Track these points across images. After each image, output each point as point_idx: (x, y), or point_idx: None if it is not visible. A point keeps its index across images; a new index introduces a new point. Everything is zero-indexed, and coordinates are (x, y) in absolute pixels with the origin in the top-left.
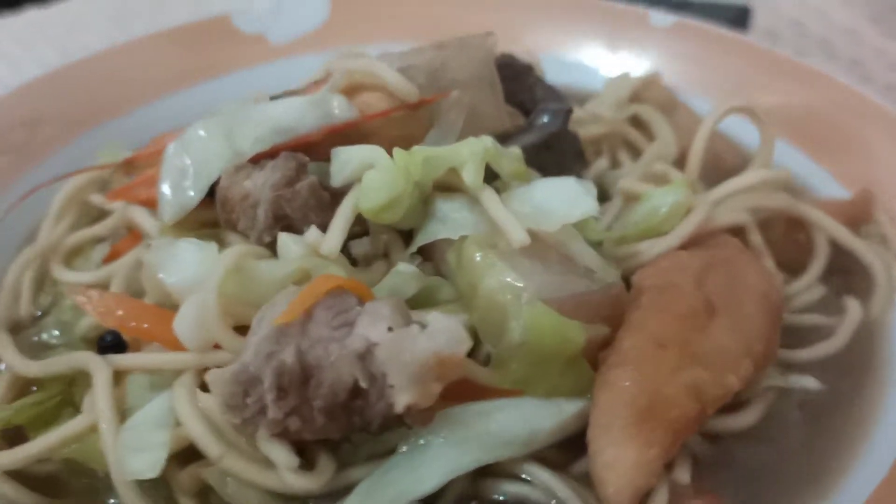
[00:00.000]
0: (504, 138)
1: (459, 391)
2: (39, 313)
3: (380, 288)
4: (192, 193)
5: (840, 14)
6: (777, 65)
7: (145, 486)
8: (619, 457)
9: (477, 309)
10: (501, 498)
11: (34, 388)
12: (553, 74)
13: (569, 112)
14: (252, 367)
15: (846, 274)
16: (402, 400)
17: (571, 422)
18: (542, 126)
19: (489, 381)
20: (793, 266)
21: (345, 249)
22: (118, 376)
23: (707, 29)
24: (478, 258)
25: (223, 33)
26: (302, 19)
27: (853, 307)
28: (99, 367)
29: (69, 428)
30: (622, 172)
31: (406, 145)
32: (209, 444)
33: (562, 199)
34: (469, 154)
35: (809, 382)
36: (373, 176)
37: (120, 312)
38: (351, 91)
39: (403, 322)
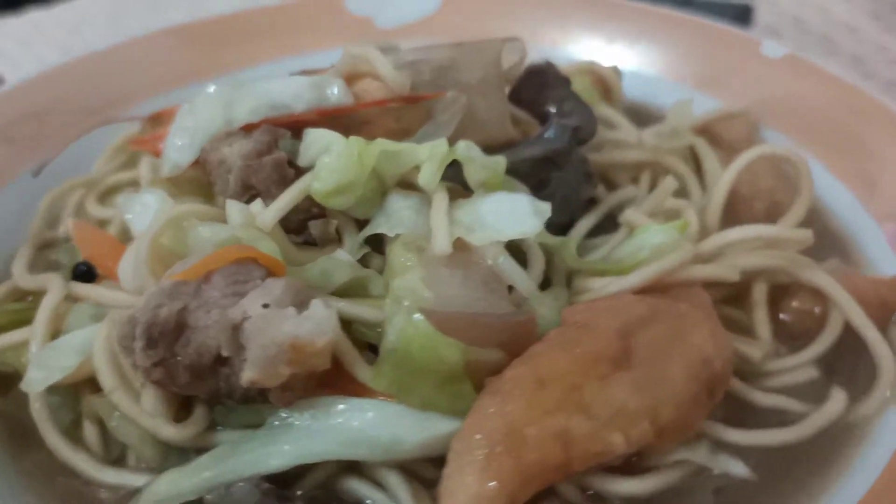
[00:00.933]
0: (507, 147)
1: (339, 383)
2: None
3: (310, 269)
4: (185, 153)
5: (841, 10)
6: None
7: (55, 403)
8: (460, 484)
9: (384, 307)
10: (355, 499)
11: (30, 299)
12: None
13: (575, 130)
14: (138, 314)
15: (855, 361)
16: (246, 375)
17: (444, 439)
18: (546, 140)
19: (365, 379)
20: (802, 338)
21: (305, 228)
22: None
23: (818, 68)
24: (400, 258)
25: (332, 11)
26: (412, 6)
27: (836, 400)
28: (53, 288)
29: (13, 336)
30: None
31: (400, 138)
32: (105, 377)
33: (505, 215)
34: (428, 154)
35: (737, 468)
36: (327, 160)
37: (94, 246)
38: (354, 78)
39: (290, 303)
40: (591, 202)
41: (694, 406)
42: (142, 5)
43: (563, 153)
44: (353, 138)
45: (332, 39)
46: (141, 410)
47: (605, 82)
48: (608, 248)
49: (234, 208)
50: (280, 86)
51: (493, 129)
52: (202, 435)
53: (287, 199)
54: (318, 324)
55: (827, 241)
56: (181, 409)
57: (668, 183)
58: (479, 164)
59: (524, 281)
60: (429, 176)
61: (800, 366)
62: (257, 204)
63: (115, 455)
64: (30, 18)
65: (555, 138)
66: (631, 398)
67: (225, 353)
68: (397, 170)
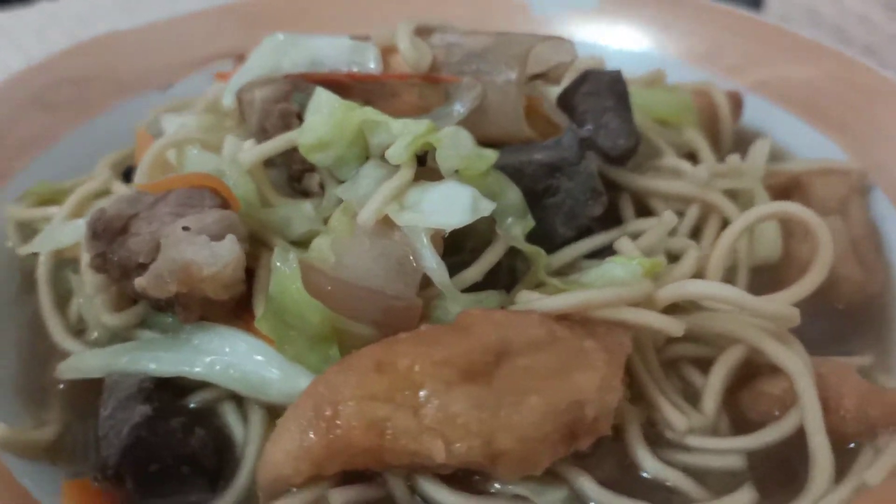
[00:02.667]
0: (519, 146)
1: (244, 315)
2: None
3: (273, 212)
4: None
5: (853, 1)
6: None
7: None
8: (276, 440)
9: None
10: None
11: None
12: None
13: (582, 141)
14: (103, 209)
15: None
16: (137, 281)
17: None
18: (557, 147)
19: (257, 318)
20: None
21: (300, 181)
22: None
23: None
24: (335, 221)
25: None
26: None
27: (740, 499)
28: (97, 179)
29: (48, 210)
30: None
31: (420, 114)
32: (83, 258)
33: (442, 204)
34: (402, 129)
35: None
36: (314, 117)
37: (142, 152)
38: (391, 50)
39: (215, 233)
40: (607, 223)
41: (541, 444)
42: None
43: (569, 163)
44: (341, 102)
45: (483, 20)
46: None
47: (713, 107)
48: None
49: (228, 143)
50: (325, 44)
51: (505, 124)
52: (132, 329)
53: (272, 145)
54: (213, 255)
55: None
56: (129, 303)
57: (668, 217)
58: (455, 151)
59: (438, 273)
60: (396, 150)
61: (724, 451)
62: (250, 143)
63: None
64: (41, 8)
65: (565, 146)
66: (467, 413)
67: (141, 260)
68: (381, 140)
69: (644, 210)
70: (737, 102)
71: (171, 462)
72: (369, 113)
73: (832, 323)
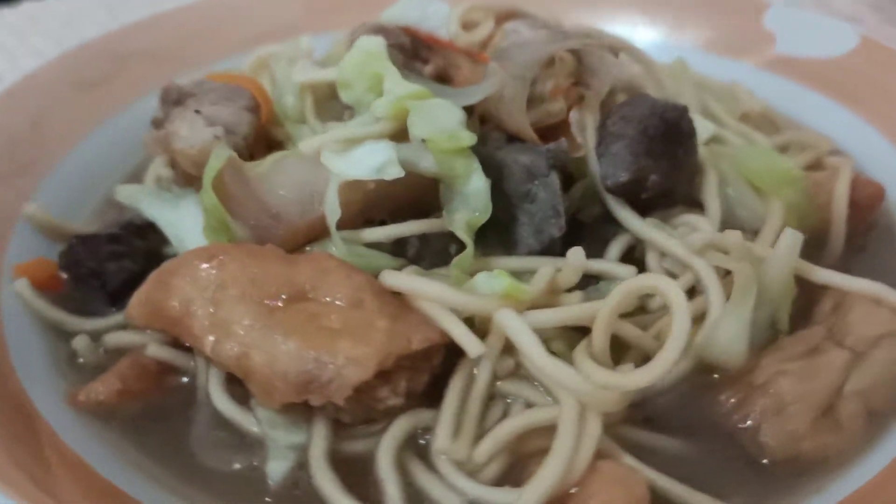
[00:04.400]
0: (523, 145)
1: None
2: None
3: (298, 129)
4: None
5: (841, 2)
6: None
7: None
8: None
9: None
10: None
11: None
12: None
13: (550, 152)
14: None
15: None
16: (144, 136)
17: None
18: (536, 153)
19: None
20: None
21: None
22: None
23: None
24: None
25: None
26: (825, 41)
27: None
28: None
29: None
30: None
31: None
32: None
33: (362, 157)
34: (393, 88)
35: None
36: (347, 58)
37: None
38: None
39: (221, 123)
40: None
41: (279, 381)
42: None
43: (541, 172)
44: (363, 38)
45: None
46: None
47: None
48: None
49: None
50: (408, 6)
51: (510, 118)
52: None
53: (317, 73)
54: (191, 136)
55: None
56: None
57: (576, 254)
58: (426, 121)
59: (329, 216)
60: (380, 104)
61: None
62: (305, 64)
63: None
64: (25, 10)
65: (538, 156)
66: (242, 325)
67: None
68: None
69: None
70: (875, 196)
71: (87, 272)
72: (387, 68)
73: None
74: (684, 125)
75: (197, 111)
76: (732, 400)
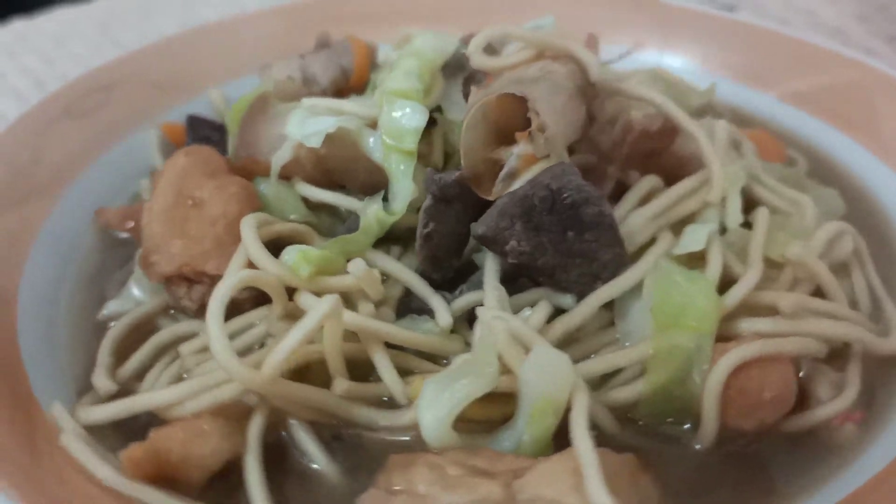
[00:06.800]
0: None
1: None
2: None
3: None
4: None
5: (826, 13)
6: None
7: None
8: None
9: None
10: None
11: None
12: None
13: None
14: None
15: None
16: None
17: None
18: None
19: None
20: None
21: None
22: None
23: None
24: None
25: None
26: None
27: None
28: None
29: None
30: None
31: None
32: None
33: (310, 124)
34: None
35: None
36: (403, 62)
37: None
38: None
39: (312, 74)
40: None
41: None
42: (131, 15)
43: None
44: (431, 33)
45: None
46: None
47: None
48: None
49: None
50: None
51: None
52: None
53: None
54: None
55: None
56: None
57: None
58: (391, 116)
59: (276, 158)
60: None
61: None
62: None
63: None
64: (13, 29)
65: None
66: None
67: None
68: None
69: None
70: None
71: None
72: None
73: None
74: (586, 213)
75: (301, 56)
76: None
